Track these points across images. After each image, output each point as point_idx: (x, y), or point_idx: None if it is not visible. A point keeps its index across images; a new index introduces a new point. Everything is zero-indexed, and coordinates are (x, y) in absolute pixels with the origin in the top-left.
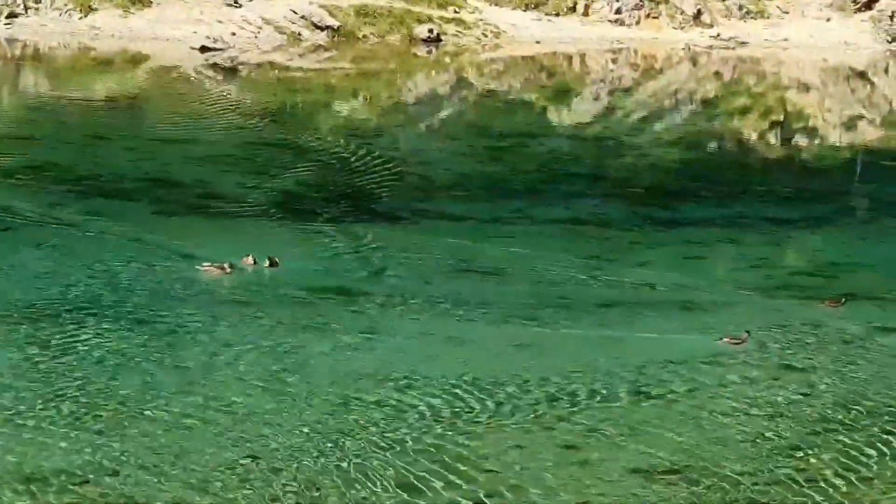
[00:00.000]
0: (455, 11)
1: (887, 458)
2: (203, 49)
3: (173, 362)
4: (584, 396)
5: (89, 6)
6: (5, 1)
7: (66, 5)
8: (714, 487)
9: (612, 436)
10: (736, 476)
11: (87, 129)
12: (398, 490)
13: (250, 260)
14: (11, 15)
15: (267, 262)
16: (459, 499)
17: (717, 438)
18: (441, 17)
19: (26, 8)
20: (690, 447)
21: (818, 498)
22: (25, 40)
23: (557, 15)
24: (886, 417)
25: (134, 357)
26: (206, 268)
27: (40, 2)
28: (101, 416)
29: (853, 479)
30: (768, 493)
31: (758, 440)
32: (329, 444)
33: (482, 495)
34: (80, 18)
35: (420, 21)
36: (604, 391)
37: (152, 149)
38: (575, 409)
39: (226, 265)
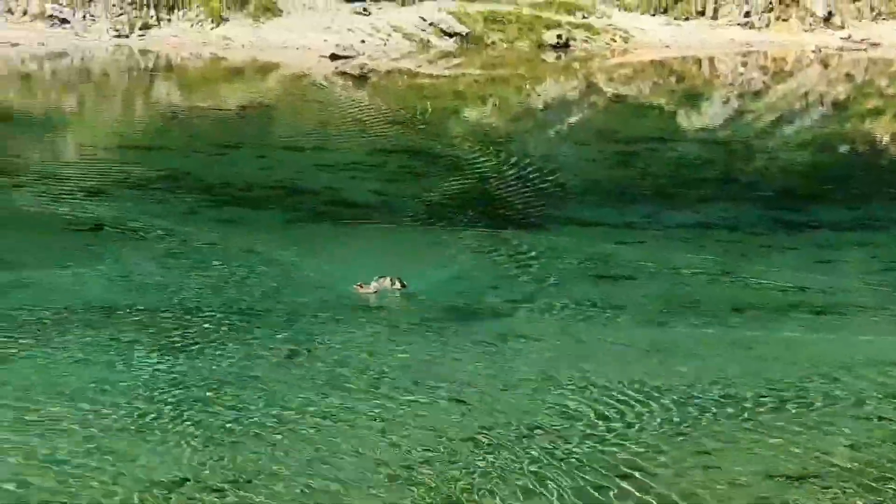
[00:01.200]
0: (584, 17)
1: None
2: (333, 57)
3: (307, 374)
4: (747, 401)
5: (220, 17)
6: (139, 13)
7: (197, 16)
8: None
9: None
10: None
11: (218, 137)
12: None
13: (387, 282)
14: (145, 26)
15: (397, 284)
16: None
17: None
18: (569, 23)
19: (159, 20)
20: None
21: None
22: (158, 51)
23: (686, 19)
24: None
25: (265, 367)
26: (361, 287)
27: (173, 13)
28: (232, 425)
29: None
30: None
31: None
32: (478, 452)
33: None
34: (212, 29)
35: (548, 27)
36: (770, 396)
37: (283, 157)
38: (735, 413)
39: (375, 285)
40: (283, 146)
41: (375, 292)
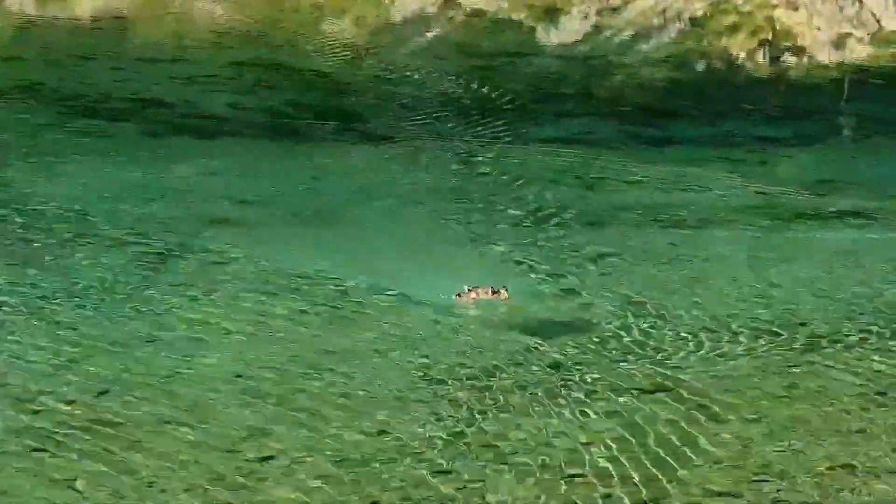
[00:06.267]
0: None
1: None
2: None
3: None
4: None
5: None
6: None
7: None
8: None
9: None
10: None
11: (73, 49)
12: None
13: (489, 292)
14: None
15: (503, 293)
16: None
17: None
18: None
19: None
20: None
21: None
22: None
23: None
24: None
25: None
26: (460, 297)
27: None
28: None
29: None
30: None
31: None
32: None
33: None
34: None
35: None
36: None
37: (139, 69)
38: None
39: (474, 295)
40: (138, 58)
41: (473, 301)
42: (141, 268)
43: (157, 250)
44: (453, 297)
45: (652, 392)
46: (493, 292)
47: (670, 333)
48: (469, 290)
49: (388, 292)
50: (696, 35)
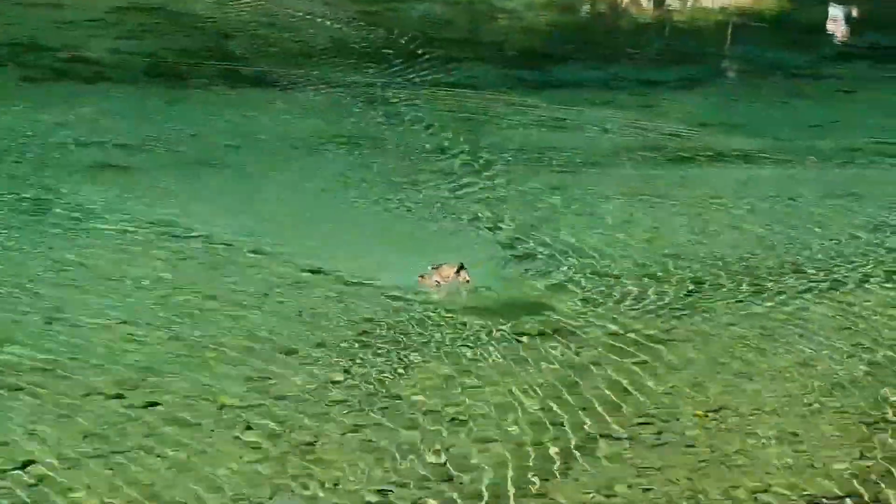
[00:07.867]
0: None
1: None
2: None
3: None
4: None
5: None
6: None
7: None
8: None
9: None
10: None
11: None
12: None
13: (451, 272)
14: None
15: (464, 275)
16: None
17: None
18: None
19: None
20: None
21: None
22: None
23: None
24: None
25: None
26: (424, 279)
27: None
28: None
29: None
30: None
31: None
32: None
33: None
34: None
35: None
36: None
37: (18, 13)
38: None
39: (437, 277)
40: (18, 2)
41: (438, 284)
42: (17, 214)
43: (34, 196)
44: (417, 278)
45: (535, 336)
46: (456, 272)
47: (551, 276)
48: (433, 268)
49: (275, 240)
50: None
